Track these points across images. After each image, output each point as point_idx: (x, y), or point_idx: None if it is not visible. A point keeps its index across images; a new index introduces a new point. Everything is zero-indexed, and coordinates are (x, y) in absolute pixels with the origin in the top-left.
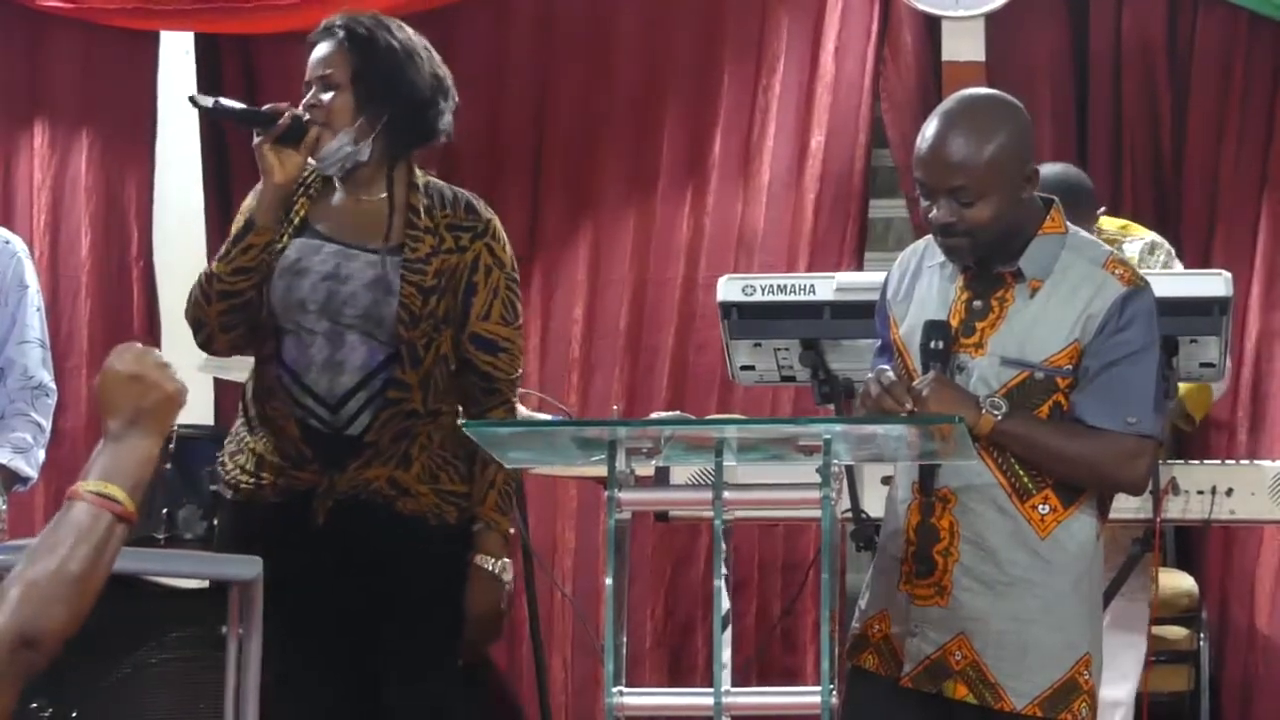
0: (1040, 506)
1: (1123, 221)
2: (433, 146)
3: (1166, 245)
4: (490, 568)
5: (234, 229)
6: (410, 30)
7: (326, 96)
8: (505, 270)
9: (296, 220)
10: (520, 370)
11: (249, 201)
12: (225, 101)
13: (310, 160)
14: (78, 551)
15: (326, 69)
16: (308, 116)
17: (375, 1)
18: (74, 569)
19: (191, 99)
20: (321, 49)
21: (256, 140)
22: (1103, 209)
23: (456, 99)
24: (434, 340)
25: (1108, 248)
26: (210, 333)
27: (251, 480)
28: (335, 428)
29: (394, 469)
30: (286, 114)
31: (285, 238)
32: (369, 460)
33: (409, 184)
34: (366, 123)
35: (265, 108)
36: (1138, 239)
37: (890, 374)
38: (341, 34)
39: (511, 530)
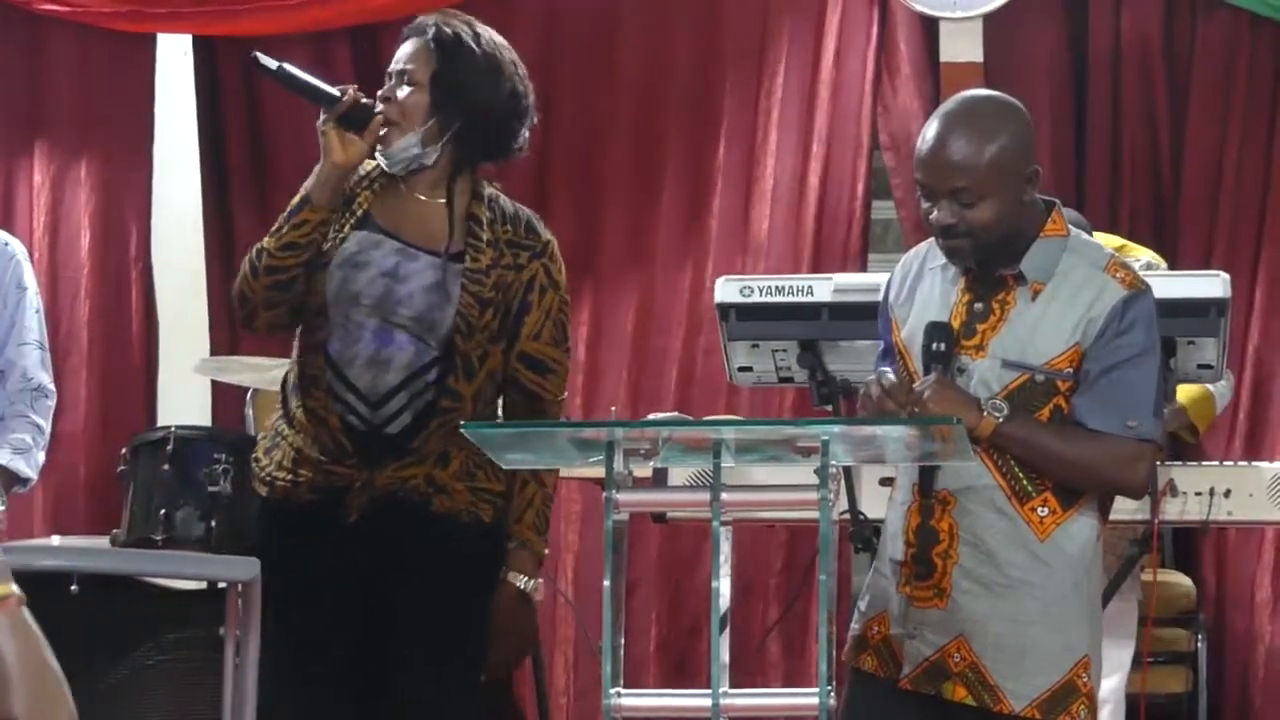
0: (1040, 509)
1: (1120, 240)
2: (505, 162)
3: (1164, 265)
4: (521, 585)
5: (290, 205)
6: (503, 43)
7: (403, 92)
8: (560, 292)
9: (360, 212)
10: (565, 394)
11: (309, 181)
12: (290, 68)
13: (376, 155)
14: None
15: (408, 64)
16: (378, 106)
17: (379, 2)
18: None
19: (254, 59)
20: (408, 44)
21: (322, 119)
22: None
23: (536, 119)
24: (488, 354)
25: (1109, 250)
26: (253, 308)
27: (289, 477)
28: (374, 425)
29: (432, 467)
30: (349, 96)
31: (347, 228)
32: (407, 460)
33: (473, 194)
34: (437, 126)
35: (334, 87)
36: (1134, 259)
37: (891, 376)
38: (430, 33)
39: (546, 552)
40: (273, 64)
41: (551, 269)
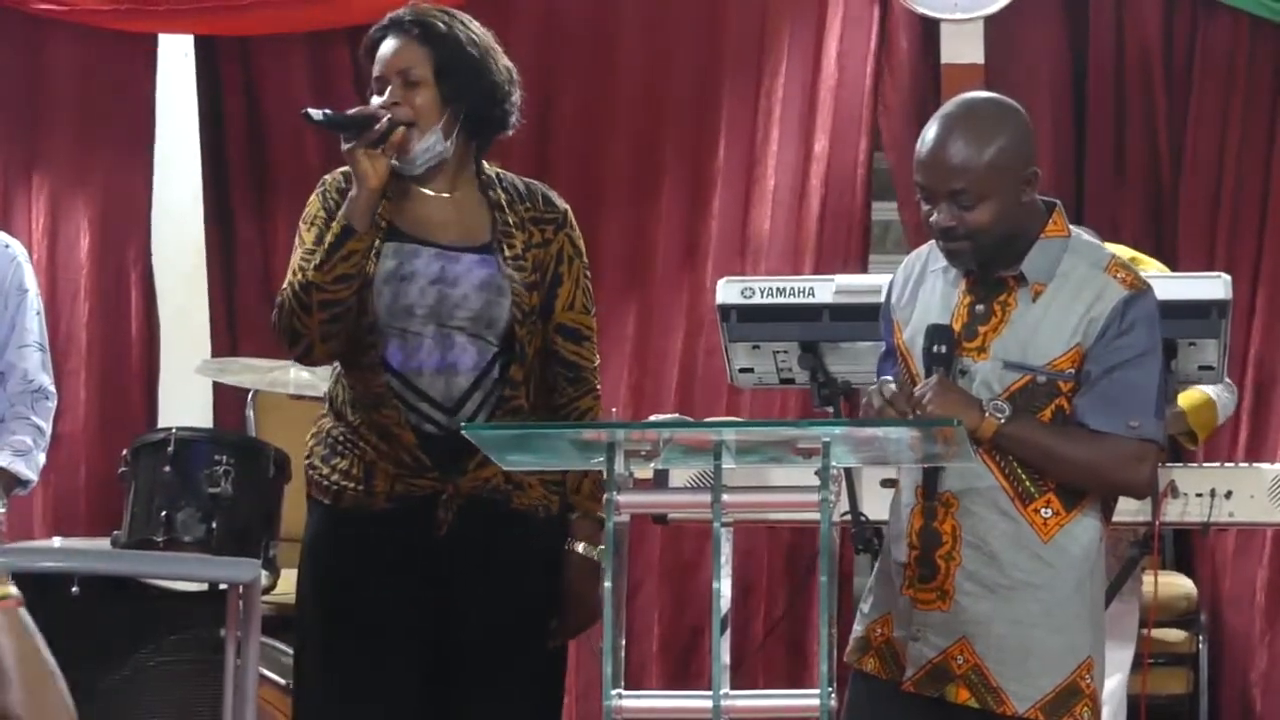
0: (1043, 510)
1: (1132, 253)
2: (502, 139)
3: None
4: (594, 556)
5: (329, 238)
6: (477, 22)
7: (412, 95)
8: (583, 259)
9: (383, 224)
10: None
11: (315, 208)
12: (334, 113)
13: (394, 160)
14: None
15: (406, 65)
16: (389, 116)
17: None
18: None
19: (305, 115)
20: (395, 44)
21: (347, 146)
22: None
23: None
24: (534, 334)
25: (1110, 250)
26: (310, 343)
27: (359, 487)
28: (452, 431)
29: None
30: (384, 119)
31: (379, 243)
32: (484, 459)
33: (483, 179)
34: (451, 119)
35: (354, 111)
36: (1144, 271)
37: (892, 385)
38: (417, 30)
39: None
40: (318, 114)
41: (574, 237)
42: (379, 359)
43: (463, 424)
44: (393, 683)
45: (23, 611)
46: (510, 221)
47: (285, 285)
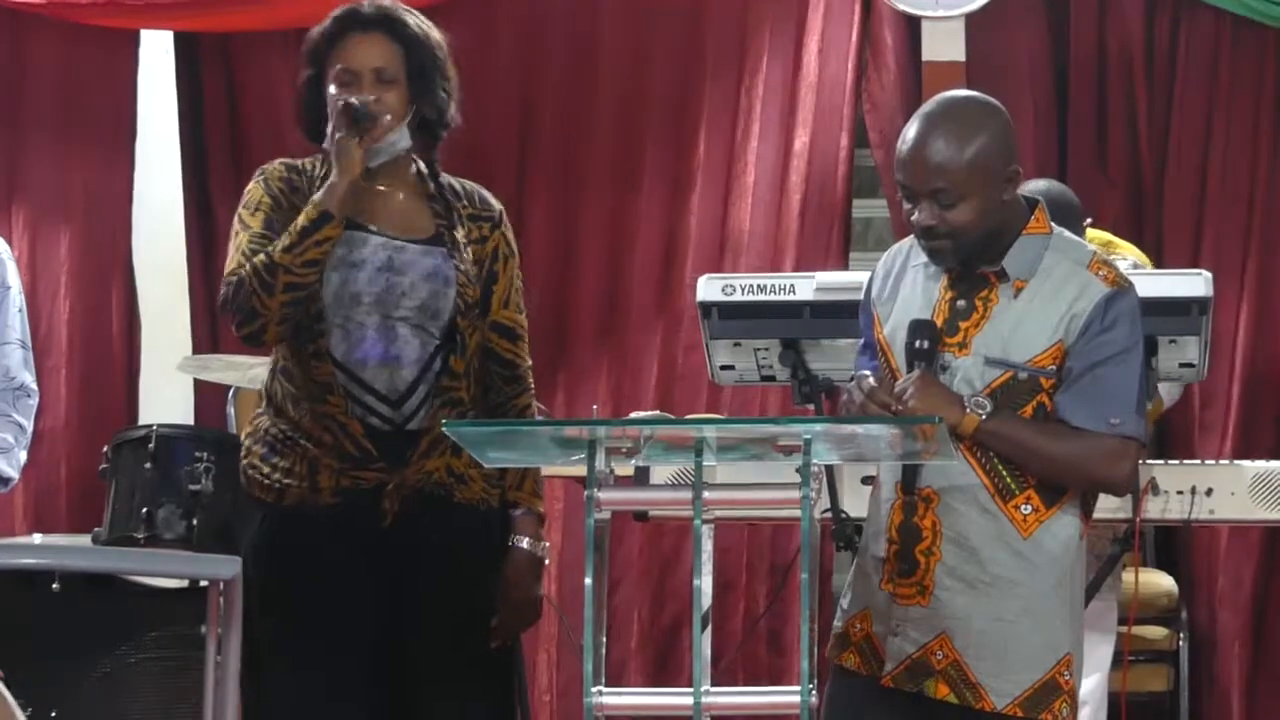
0: (1023, 506)
1: (1108, 237)
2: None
3: (1149, 264)
4: (537, 551)
5: (302, 221)
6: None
7: (385, 92)
8: (516, 258)
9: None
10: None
11: (258, 194)
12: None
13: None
14: None
15: (379, 62)
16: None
17: None
18: None
19: (351, 105)
20: (368, 42)
21: (343, 134)
22: (1089, 220)
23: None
24: (474, 328)
25: (1092, 248)
26: (265, 323)
27: (303, 483)
28: (397, 424)
29: (449, 457)
30: (386, 117)
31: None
32: (427, 451)
33: (428, 176)
34: (413, 116)
35: (353, 103)
36: (1120, 257)
37: (871, 380)
38: (388, 28)
39: (543, 511)
40: (361, 104)
41: (508, 235)
42: (325, 348)
43: (444, 423)
44: (348, 681)
45: None
46: (454, 216)
47: (238, 267)
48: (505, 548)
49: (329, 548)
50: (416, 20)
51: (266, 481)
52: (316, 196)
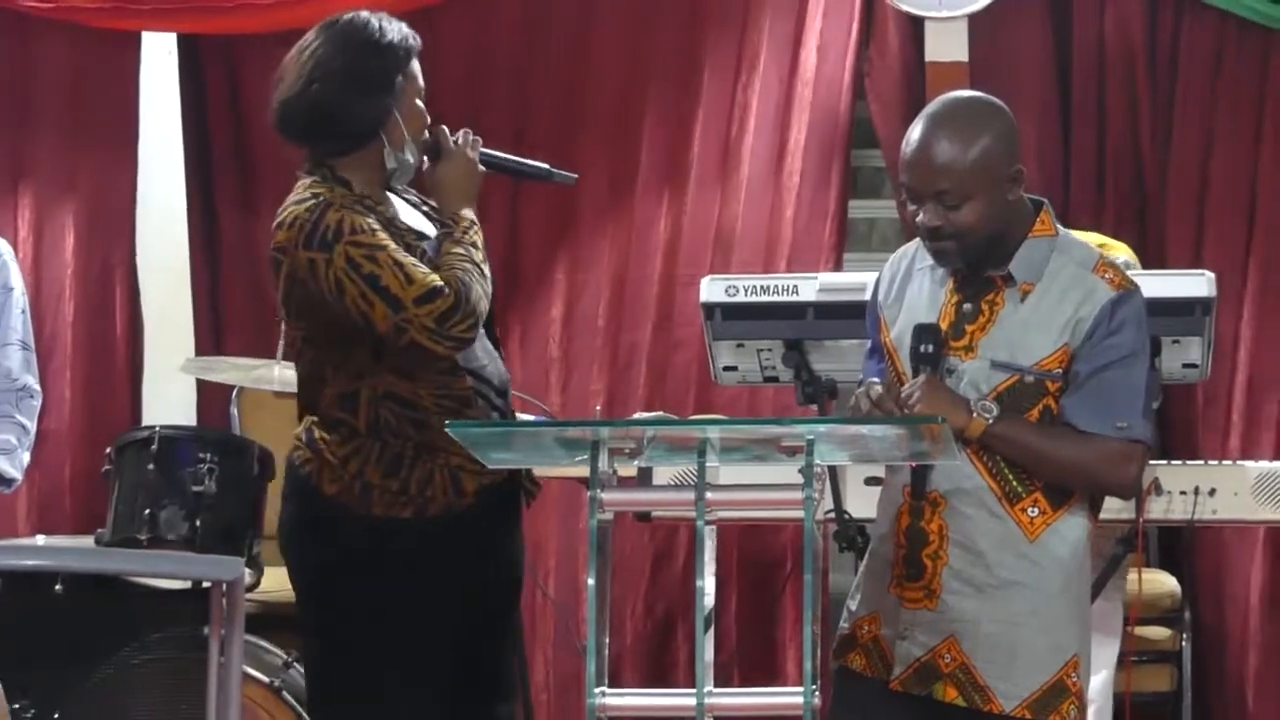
0: (1030, 509)
1: (1101, 238)
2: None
3: (1137, 264)
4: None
5: (481, 239)
6: None
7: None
8: None
9: (407, 228)
10: None
11: (363, 220)
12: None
13: (390, 165)
14: None
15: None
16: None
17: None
18: None
19: (551, 172)
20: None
21: (480, 170)
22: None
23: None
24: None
25: (1097, 250)
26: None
27: (448, 492)
28: (506, 413)
29: None
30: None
31: (412, 240)
32: None
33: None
34: None
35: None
36: (1114, 257)
37: (878, 387)
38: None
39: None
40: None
41: None
42: (456, 363)
43: (448, 423)
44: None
45: None
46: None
47: (429, 275)
48: None
49: (474, 546)
50: None
51: (404, 498)
52: (471, 214)
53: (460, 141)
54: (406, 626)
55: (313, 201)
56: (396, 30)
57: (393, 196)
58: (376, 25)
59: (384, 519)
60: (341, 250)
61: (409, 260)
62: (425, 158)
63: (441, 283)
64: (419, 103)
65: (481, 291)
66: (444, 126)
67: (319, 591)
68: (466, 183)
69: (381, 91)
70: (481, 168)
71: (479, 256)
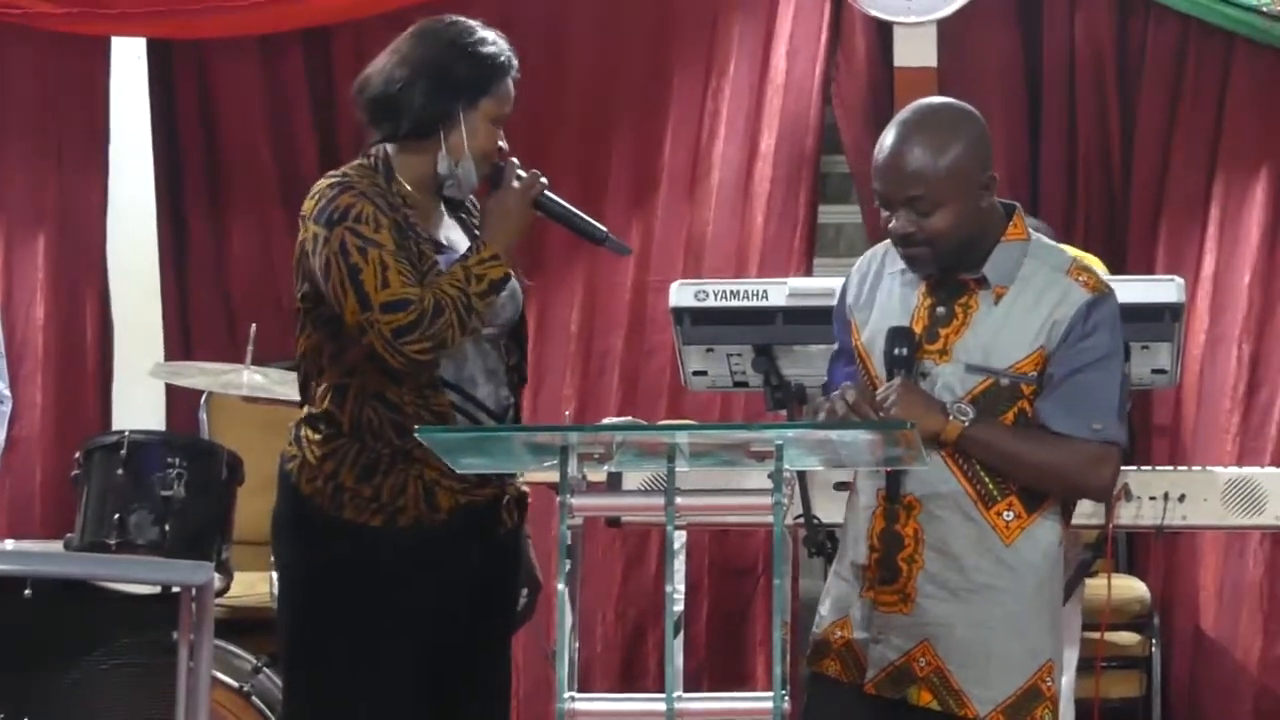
0: (1005, 513)
1: (1076, 251)
2: None
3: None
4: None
5: (493, 276)
6: None
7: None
8: None
9: (425, 235)
10: None
11: (370, 210)
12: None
13: (441, 170)
14: None
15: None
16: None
17: (333, 3)
18: None
19: (612, 242)
20: (512, 86)
21: (526, 205)
22: None
23: None
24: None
25: (1071, 254)
26: (439, 356)
27: (420, 504)
28: None
29: None
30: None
31: (429, 254)
32: None
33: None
34: None
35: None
36: None
37: (853, 391)
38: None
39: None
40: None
41: None
42: (438, 377)
43: (417, 429)
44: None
45: None
46: (473, 225)
47: (406, 289)
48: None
49: (443, 560)
50: None
51: (375, 505)
52: (500, 251)
53: (522, 180)
54: (367, 637)
55: (339, 179)
56: (497, 47)
57: (444, 207)
58: (474, 34)
59: (353, 525)
60: (339, 233)
61: (398, 265)
62: (488, 181)
63: (415, 298)
64: (493, 125)
65: (454, 321)
66: (515, 160)
67: (289, 592)
68: (509, 221)
69: (451, 93)
70: (538, 211)
71: (476, 288)
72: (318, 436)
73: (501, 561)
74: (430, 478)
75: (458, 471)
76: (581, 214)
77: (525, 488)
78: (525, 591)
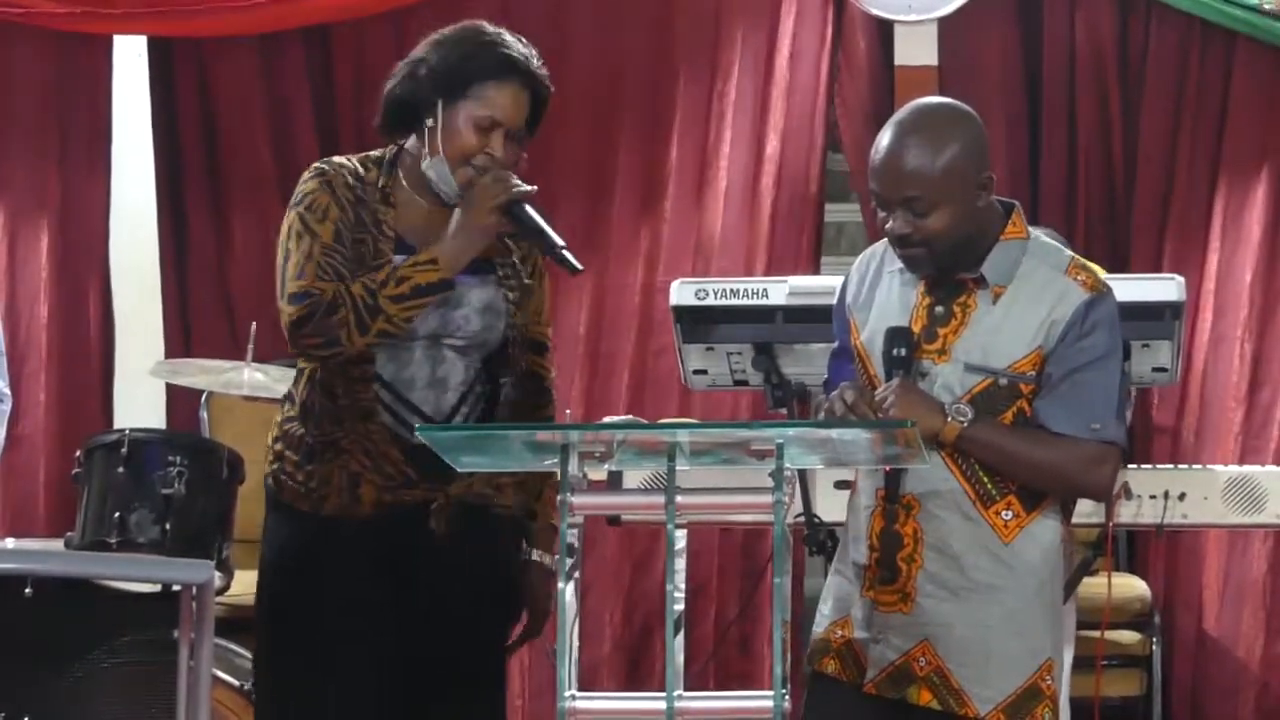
0: (1004, 512)
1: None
2: None
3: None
4: (550, 565)
5: (419, 280)
6: None
7: (510, 148)
8: (546, 272)
9: (390, 233)
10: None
11: (324, 200)
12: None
13: (423, 169)
14: None
15: (519, 124)
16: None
17: (331, 2)
18: None
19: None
20: (519, 99)
21: (503, 201)
22: None
23: None
24: (520, 351)
25: (1069, 253)
26: (341, 350)
27: (344, 495)
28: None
29: None
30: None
31: (387, 251)
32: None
33: None
34: None
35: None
36: None
37: (851, 391)
38: (534, 87)
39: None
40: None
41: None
42: (371, 374)
43: (417, 427)
44: (365, 691)
45: None
46: (504, 241)
47: (315, 283)
48: (522, 559)
49: (366, 555)
50: (544, 72)
51: (303, 490)
52: (440, 256)
53: (489, 186)
54: (288, 620)
55: (318, 167)
56: (503, 48)
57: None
58: (482, 34)
59: (291, 508)
60: (292, 216)
61: (322, 258)
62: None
63: (317, 292)
64: (477, 130)
65: (349, 320)
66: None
67: (259, 578)
68: (466, 228)
69: (430, 84)
70: (509, 219)
71: (392, 290)
72: (279, 417)
73: (452, 572)
74: (354, 470)
75: (408, 470)
76: (545, 227)
77: (504, 507)
78: (526, 614)
